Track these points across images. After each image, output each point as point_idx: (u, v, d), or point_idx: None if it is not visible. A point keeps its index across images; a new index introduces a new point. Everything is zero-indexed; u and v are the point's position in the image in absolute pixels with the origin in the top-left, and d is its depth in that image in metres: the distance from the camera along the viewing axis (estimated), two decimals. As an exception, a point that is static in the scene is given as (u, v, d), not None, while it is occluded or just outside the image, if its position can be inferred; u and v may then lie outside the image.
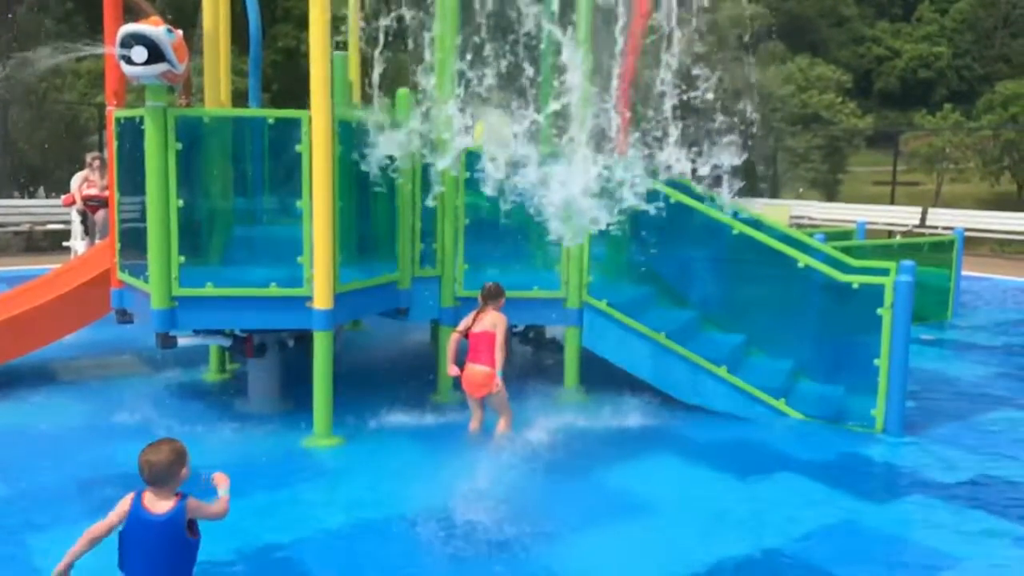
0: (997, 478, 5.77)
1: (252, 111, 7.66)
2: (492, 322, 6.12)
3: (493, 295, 6.24)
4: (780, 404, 6.79)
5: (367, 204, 6.64)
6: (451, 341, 6.27)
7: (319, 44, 5.87)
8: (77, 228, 13.34)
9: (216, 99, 7.58)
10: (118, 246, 6.84)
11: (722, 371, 6.83)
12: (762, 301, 7.08)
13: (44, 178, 20.10)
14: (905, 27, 58.08)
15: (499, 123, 6.99)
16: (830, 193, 30.65)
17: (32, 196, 19.48)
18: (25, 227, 16.83)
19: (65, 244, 14.34)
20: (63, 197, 13.57)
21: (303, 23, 20.44)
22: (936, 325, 10.83)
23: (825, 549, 4.69)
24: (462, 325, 6.26)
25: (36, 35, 19.46)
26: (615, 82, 6.55)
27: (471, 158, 6.72)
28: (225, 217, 6.63)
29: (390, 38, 6.26)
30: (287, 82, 22.84)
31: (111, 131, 6.80)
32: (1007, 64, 50.31)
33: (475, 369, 6.03)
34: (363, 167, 6.37)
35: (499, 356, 6.00)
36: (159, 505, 3.54)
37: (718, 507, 5.20)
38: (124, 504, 3.59)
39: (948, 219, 19.80)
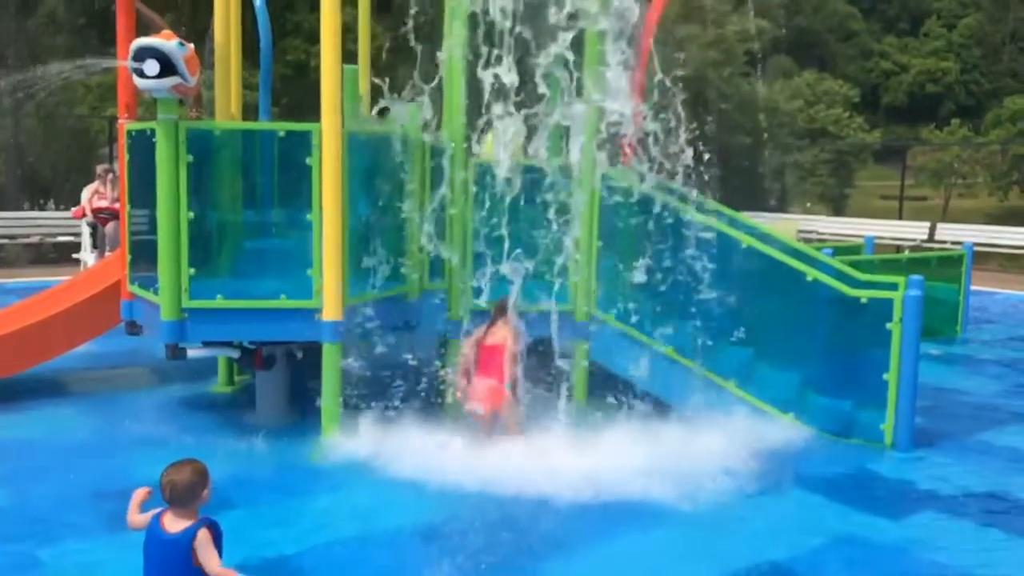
0: (1006, 494, 5.73)
1: (263, 124, 7.71)
2: (503, 335, 6.12)
3: (505, 308, 6.25)
4: (788, 418, 6.76)
5: (376, 216, 6.66)
6: (462, 354, 6.26)
7: (330, 57, 5.91)
8: (87, 240, 13.41)
9: (227, 112, 7.63)
10: (128, 258, 6.87)
11: (730, 384, 6.82)
12: (770, 315, 7.06)
13: (54, 190, 20.21)
14: (913, 42, 58.15)
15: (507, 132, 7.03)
16: (838, 208, 30.62)
17: (42, 208, 19.58)
18: (35, 239, 16.92)
19: (75, 256, 14.41)
20: (73, 209, 13.66)
21: (313, 37, 20.55)
22: (946, 340, 10.79)
23: (833, 564, 4.67)
24: (473, 338, 6.26)
25: (48, 49, 19.62)
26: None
27: (480, 168, 6.76)
28: (235, 229, 6.66)
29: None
30: (296, 96, 22.97)
31: (122, 144, 6.85)
32: (1015, 79, 50.28)
33: (484, 383, 6.03)
34: (372, 179, 6.41)
35: (508, 370, 5.98)
36: (174, 524, 3.52)
37: (726, 520, 5.18)
38: (149, 515, 3.60)
39: (956, 234, 19.76)
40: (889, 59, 57.00)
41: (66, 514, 5.06)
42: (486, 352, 6.07)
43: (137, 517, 3.71)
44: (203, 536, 3.51)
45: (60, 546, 4.63)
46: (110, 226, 12.50)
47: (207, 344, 6.60)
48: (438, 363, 6.83)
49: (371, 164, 6.55)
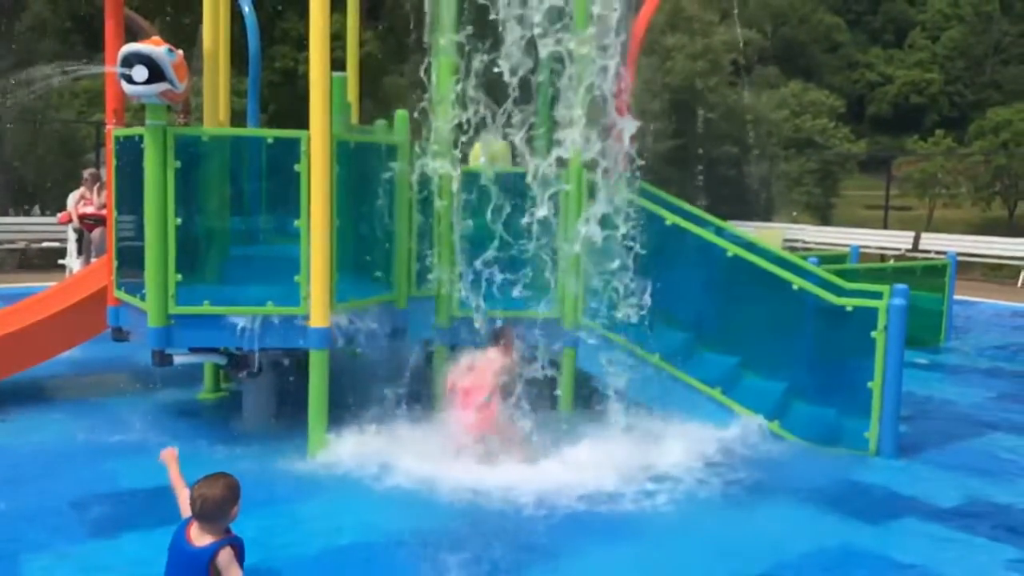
0: (990, 501, 5.78)
1: (251, 130, 7.70)
2: (493, 357, 6.16)
3: (501, 335, 6.31)
4: (773, 426, 6.80)
5: (364, 223, 6.67)
6: (452, 378, 6.27)
7: (318, 64, 5.92)
8: (73, 246, 13.34)
9: (215, 119, 7.62)
10: (115, 264, 6.85)
11: (716, 392, 6.84)
12: (756, 323, 7.10)
13: (40, 196, 20.12)
14: (898, 53, 58.73)
15: (495, 144, 7.05)
16: (823, 217, 30.83)
17: (28, 214, 19.49)
18: (20, 245, 16.82)
19: (60, 262, 14.33)
20: (59, 215, 13.60)
21: (301, 45, 20.55)
22: (930, 349, 10.87)
23: (816, 572, 4.69)
24: (465, 363, 6.29)
25: (35, 55, 19.55)
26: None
27: (468, 177, 6.77)
28: (222, 236, 6.65)
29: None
30: (284, 103, 22.96)
31: (110, 149, 6.83)
32: (998, 91, 50.83)
33: (471, 405, 6.05)
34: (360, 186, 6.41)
35: (494, 389, 6.01)
36: (200, 538, 3.50)
37: (709, 530, 5.19)
38: (186, 511, 3.58)
39: (940, 243, 19.90)
40: (874, 70, 57.51)
41: (50, 519, 5.03)
42: (476, 378, 6.09)
43: (183, 493, 3.70)
44: (227, 556, 3.49)
45: (44, 551, 4.60)
46: (96, 232, 12.45)
47: (194, 350, 6.58)
48: (426, 371, 6.83)
49: (359, 171, 6.55)
